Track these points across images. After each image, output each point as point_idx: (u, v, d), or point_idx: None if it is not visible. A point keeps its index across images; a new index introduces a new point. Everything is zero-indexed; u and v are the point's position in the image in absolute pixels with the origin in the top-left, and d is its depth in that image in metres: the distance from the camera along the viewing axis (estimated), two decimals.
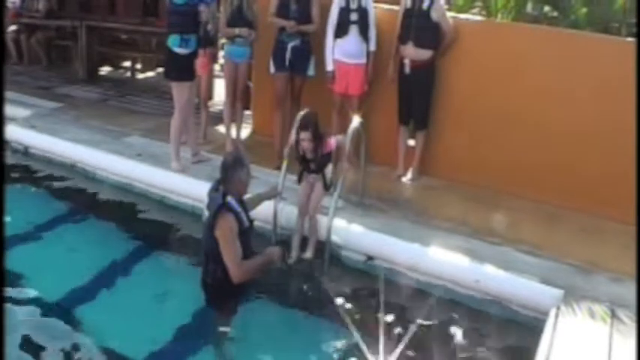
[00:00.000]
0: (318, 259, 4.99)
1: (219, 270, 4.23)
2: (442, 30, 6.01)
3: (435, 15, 5.95)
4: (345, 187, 5.27)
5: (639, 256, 4.23)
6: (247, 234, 4.39)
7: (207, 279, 4.38)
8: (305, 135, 4.94)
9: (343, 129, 5.70)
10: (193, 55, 6.14)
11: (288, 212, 5.27)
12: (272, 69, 6.58)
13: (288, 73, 6.55)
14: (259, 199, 5.00)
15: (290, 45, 6.43)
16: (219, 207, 4.17)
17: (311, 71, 6.59)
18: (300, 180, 5.27)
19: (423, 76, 6.13)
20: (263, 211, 5.05)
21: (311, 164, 5.13)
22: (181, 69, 6.08)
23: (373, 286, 4.75)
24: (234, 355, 4.21)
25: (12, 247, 5.33)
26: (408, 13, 6.09)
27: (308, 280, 4.87)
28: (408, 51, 6.10)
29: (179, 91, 6.15)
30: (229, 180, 4.27)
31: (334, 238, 4.97)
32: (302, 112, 5.16)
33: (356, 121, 5.36)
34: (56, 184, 6.69)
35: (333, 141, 5.16)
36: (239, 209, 4.28)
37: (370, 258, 5.04)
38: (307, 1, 6.41)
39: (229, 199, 4.22)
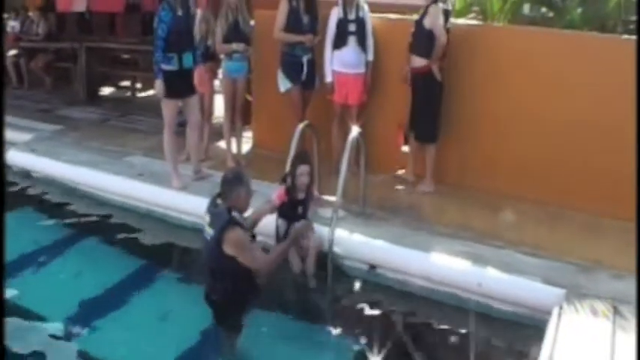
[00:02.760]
0: (322, 271, 5.11)
1: (229, 284, 4.33)
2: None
3: (427, 22, 6.06)
4: (346, 197, 5.39)
5: (639, 255, 4.33)
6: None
7: (215, 296, 4.46)
8: (305, 168, 5.09)
9: (343, 139, 5.87)
10: (180, 73, 6.20)
11: None
12: (287, 84, 6.70)
13: (301, 87, 6.71)
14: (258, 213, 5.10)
15: (305, 58, 6.61)
16: (227, 222, 4.25)
17: (317, 83, 6.77)
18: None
19: (421, 83, 6.22)
20: (265, 226, 5.18)
21: (299, 208, 5.19)
22: (166, 85, 6.11)
23: (377, 295, 4.89)
24: None
25: (16, 271, 5.51)
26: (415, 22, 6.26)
27: (312, 292, 4.99)
28: (409, 58, 6.27)
29: (165, 107, 6.30)
30: (228, 196, 4.38)
31: (336, 249, 5.10)
32: (298, 151, 5.38)
33: (355, 130, 5.51)
34: (58, 208, 6.83)
35: (316, 192, 5.42)
36: (244, 223, 4.45)
37: (373, 267, 5.17)
38: (315, 13, 6.61)
39: (234, 213, 4.33)
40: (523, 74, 6.05)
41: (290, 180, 5.14)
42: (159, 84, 6.09)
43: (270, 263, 4.53)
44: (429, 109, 6.28)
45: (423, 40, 6.12)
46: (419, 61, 6.17)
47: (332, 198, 5.30)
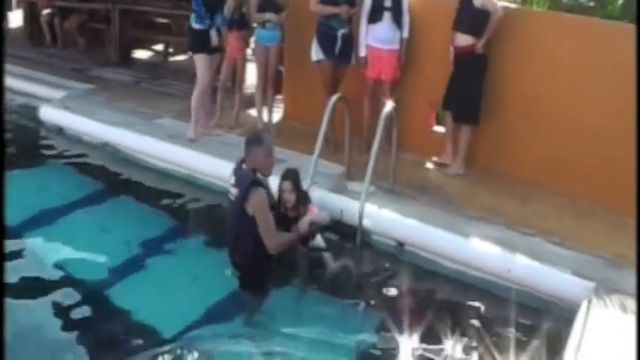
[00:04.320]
0: (350, 243, 4.94)
1: (250, 246, 4.32)
2: (489, 16, 5.76)
3: (477, 2, 5.74)
4: (376, 174, 5.21)
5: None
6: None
7: (237, 259, 4.46)
8: (286, 185, 4.78)
9: (375, 115, 5.68)
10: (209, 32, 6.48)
11: (319, 194, 5.27)
12: (319, 55, 6.48)
13: (335, 60, 6.49)
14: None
15: (340, 32, 6.38)
16: (250, 182, 4.27)
17: (354, 60, 6.55)
18: None
19: (465, 62, 5.96)
20: None
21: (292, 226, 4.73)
22: (198, 42, 6.51)
23: (403, 272, 4.72)
24: (262, 337, 4.17)
25: (45, 226, 5.44)
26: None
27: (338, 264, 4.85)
28: (453, 37, 5.99)
29: (199, 63, 6.56)
30: (248, 157, 4.38)
31: (365, 222, 4.93)
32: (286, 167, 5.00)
33: (389, 105, 5.33)
34: (89, 165, 6.75)
35: (315, 209, 4.83)
36: (267, 184, 4.44)
37: (401, 244, 5.00)
38: None
39: (259, 175, 4.33)
40: (559, 62, 5.76)
41: (278, 195, 4.84)
42: (214, 34, 6.49)
43: (281, 242, 4.38)
44: (472, 89, 6.00)
45: (471, 18, 5.82)
46: (464, 40, 5.88)
47: (359, 185, 5.09)
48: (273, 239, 4.30)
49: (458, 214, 5.22)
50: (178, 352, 3.92)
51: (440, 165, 6.31)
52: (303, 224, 4.55)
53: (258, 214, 4.25)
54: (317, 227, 4.72)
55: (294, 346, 3.97)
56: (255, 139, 4.43)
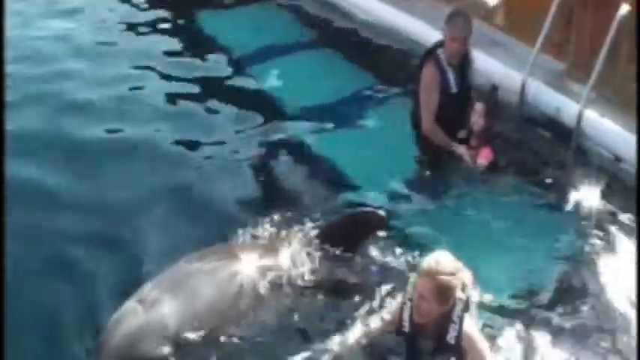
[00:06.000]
0: (561, 145, 4.57)
1: (417, 113, 4.37)
2: None
3: None
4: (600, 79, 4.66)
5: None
6: (452, 99, 4.31)
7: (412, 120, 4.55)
8: (479, 107, 4.25)
9: (607, 17, 5.01)
10: None
11: (536, 87, 4.84)
12: None
13: None
14: None
15: None
16: (425, 53, 4.29)
17: None
18: None
19: None
20: (508, 83, 4.78)
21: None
22: None
23: (615, 188, 4.29)
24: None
25: (256, 65, 5.67)
26: None
27: (547, 160, 4.57)
28: None
29: None
30: None
31: (583, 127, 4.51)
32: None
33: (624, 8, 4.67)
34: (302, 11, 6.66)
35: (483, 158, 4.29)
36: (446, 68, 4.21)
37: (618, 159, 4.47)
38: None
39: (439, 51, 4.19)
40: None
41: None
42: None
43: (435, 133, 4.32)
44: None
45: None
46: None
47: (580, 87, 4.62)
48: (427, 118, 4.27)
49: None
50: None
51: None
52: (462, 153, 4.32)
53: (421, 86, 4.25)
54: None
55: (478, 240, 3.83)
56: (450, 15, 4.25)
